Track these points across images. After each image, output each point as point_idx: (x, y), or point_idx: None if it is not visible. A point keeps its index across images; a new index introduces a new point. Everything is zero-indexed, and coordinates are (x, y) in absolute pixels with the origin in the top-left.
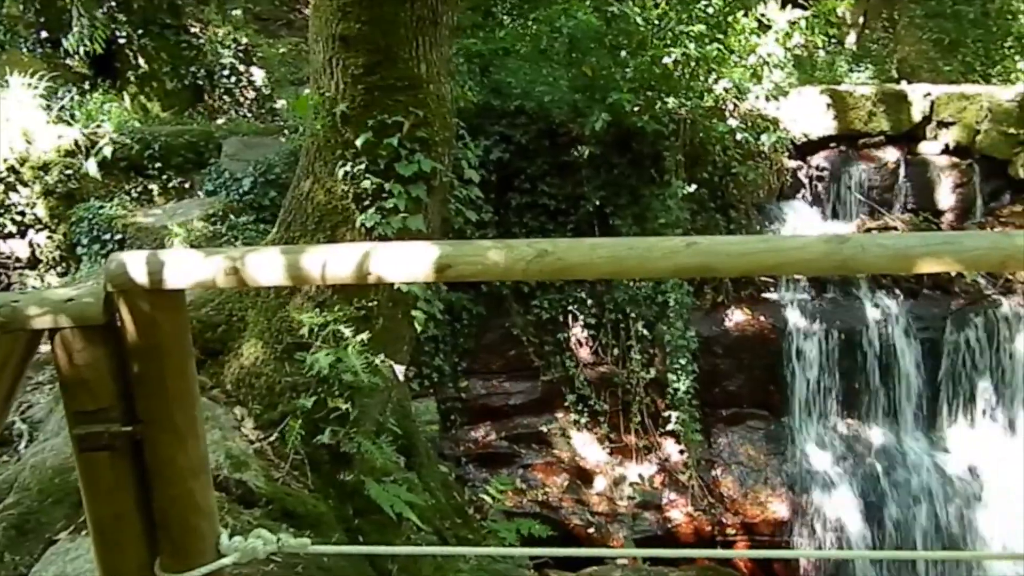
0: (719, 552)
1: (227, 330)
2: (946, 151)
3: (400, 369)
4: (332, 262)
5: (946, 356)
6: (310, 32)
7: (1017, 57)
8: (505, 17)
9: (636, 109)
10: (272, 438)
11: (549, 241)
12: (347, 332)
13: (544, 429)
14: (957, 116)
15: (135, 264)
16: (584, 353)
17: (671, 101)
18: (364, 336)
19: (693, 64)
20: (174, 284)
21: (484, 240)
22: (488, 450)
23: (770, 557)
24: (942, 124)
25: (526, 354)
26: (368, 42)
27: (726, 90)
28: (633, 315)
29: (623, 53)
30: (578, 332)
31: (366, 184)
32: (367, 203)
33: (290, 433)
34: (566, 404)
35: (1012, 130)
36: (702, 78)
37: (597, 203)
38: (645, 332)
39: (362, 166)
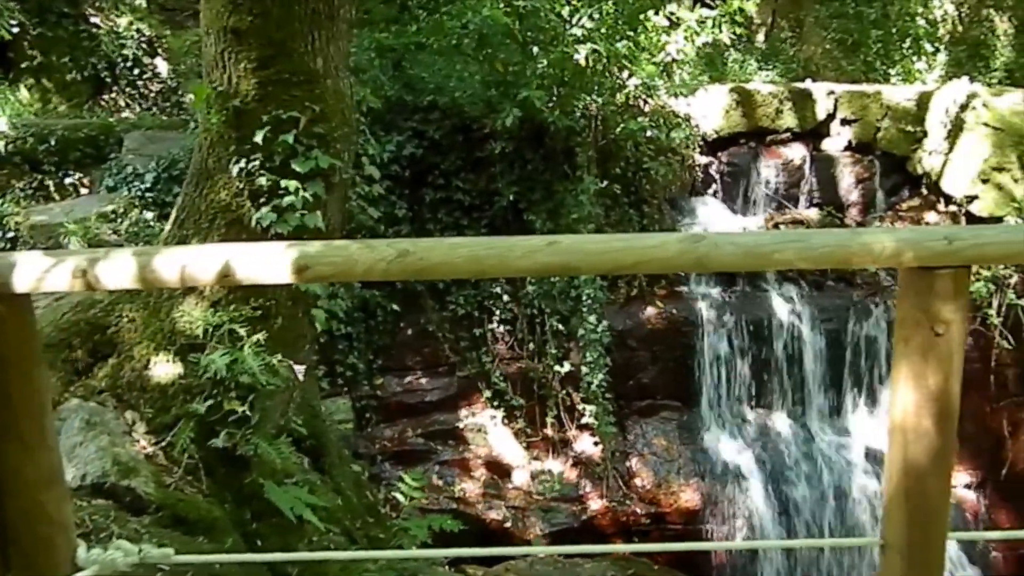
0: (630, 547)
1: (117, 332)
2: (849, 147)
3: (300, 369)
4: (188, 265)
5: (849, 345)
6: (201, 24)
7: (915, 57)
8: (421, 11)
9: (549, 105)
10: (165, 442)
11: (410, 241)
12: (243, 332)
13: (461, 425)
14: (859, 114)
15: None
16: (500, 348)
17: (583, 97)
18: (261, 336)
19: (604, 61)
20: (18, 288)
21: (345, 240)
22: (404, 447)
23: (678, 550)
24: (845, 122)
25: (442, 350)
26: (261, 35)
27: (636, 87)
28: (548, 310)
29: (535, 49)
30: (494, 327)
31: (261, 181)
32: (262, 201)
33: (180, 435)
34: (483, 400)
35: (910, 128)
36: (614, 75)
37: (511, 198)
38: (560, 327)
39: (257, 162)
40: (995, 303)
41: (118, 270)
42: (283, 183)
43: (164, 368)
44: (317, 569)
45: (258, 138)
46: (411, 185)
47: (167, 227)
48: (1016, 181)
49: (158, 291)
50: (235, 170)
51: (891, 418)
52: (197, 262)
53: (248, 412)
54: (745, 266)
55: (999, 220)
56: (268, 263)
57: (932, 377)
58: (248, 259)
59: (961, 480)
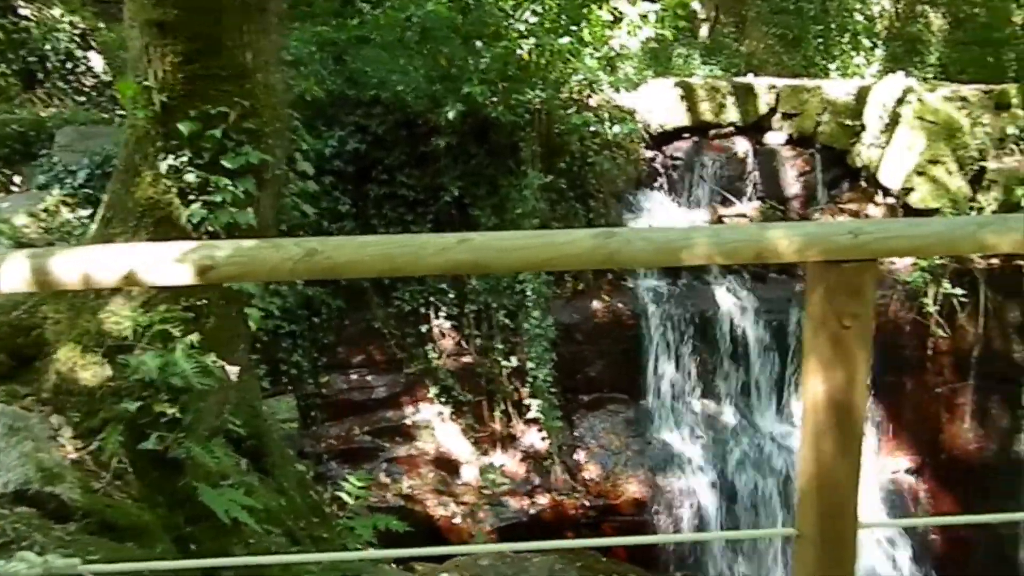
0: (569, 543)
1: (41, 333)
2: (790, 141)
3: (234, 369)
4: (88, 267)
5: (792, 336)
6: (125, 16)
7: (853, 52)
8: (364, 4)
9: (493, 100)
10: (93, 447)
11: (318, 240)
12: (175, 332)
13: (408, 422)
14: (800, 108)
15: None
16: (447, 344)
17: (527, 92)
18: (194, 337)
19: (548, 55)
20: None
21: (250, 239)
22: (351, 445)
23: (625, 544)
24: (786, 116)
25: (388, 347)
26: (188, 29)
27: (580, 82)
28: (494, 305)
29: (478, 43)
30: (440, 323)
31: (190, 178)
32: (192, 198)
33: (109, 439)
34: (430, 396)
35: (849, 122)
36: (558, 69)
37: (456, 193)
38: (507, 322)
39: (185, 159)
40: (931, 293)
41: (11, 273)
42: (213, 180)
43: (91, 370)
44: (255, 571)
45: (186, 134)
46: (355, 180)
47: (94, 226)
48: (950, 174)
49: (84, 291)
50: (163, 167)
51: (803, 411)
52: (97, 264)
53: (180, 414)
54: (657, 262)
55: (935, 212)
56: (171, 264)
57: (840, 370)
58: (151, 260)
59: (901, 465)
